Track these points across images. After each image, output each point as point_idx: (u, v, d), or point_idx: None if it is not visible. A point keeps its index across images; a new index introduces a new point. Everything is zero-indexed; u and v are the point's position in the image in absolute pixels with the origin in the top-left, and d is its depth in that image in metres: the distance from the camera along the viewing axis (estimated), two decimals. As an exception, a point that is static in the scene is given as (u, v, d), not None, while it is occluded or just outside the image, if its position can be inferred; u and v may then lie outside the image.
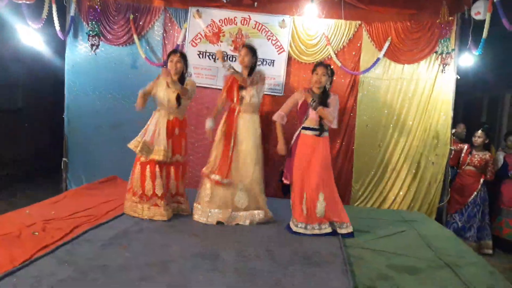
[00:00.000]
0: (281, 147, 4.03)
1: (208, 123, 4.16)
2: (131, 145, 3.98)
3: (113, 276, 2.64)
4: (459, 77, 5.22)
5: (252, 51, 4.20)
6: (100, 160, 5.58)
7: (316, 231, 3.81)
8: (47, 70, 6.38)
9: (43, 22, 5.12)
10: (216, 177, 4.00)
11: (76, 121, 5.63)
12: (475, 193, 5.10)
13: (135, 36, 5.42)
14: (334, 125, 3.90)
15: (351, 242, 3.68)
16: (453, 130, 5.36)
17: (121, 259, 2.89)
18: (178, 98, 3.99)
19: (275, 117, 4.07)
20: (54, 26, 5.27)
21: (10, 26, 5.23)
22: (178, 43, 5.42)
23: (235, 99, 4.17)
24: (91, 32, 5.36)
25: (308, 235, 3.77)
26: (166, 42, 5.51)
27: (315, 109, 3.83)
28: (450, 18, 5.03)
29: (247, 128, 4.12)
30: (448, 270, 3.14)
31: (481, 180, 5.12)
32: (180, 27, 5.44)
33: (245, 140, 4.09)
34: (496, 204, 5.32)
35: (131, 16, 5.41)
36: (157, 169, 3.91)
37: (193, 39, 5.41)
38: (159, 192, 3.89)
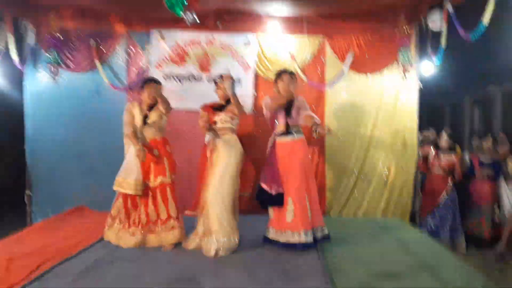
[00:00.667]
0: None
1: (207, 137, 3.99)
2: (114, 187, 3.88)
3: (85, 311, 2.49)
4: (421, 85, 5.38)
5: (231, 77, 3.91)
6: (67, 191, 5.34)
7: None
8: (5, 101, 6.13)
9: (2, 54, 4.94)
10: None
11: (39, 152, 5.41)
12: (445, 195, 5.20)
13: (97, 62, 5.31)
14: (318, 120, 3.87)
15: (329, 253, 3.64)
16: (420, 136, 5.50)
17: (93, 293, 2.74)
18: (144, 118, 3.92)
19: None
20: (11, 57, 5.09)
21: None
22: (143, 66, 5.35)
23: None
24: (50, 61, 5.21)
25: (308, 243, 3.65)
26: (130, 66, 5.43)
27: (318, 135, 3.70)
28: (409, 29, 5.19)
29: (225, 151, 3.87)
30: (427, 273, 3.16)
31: (450, 182, 5.23)
32: (143, 50, 5.38)
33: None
34: (466, 204, 5.44)
35: (93, 43, 5.31)
36: (137, 199, 3.84)
37: (158, 62, 5.35)
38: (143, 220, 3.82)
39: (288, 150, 3.87)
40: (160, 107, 3.84)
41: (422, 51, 5.31)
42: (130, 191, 3.76)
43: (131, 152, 3.94)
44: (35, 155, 5.41)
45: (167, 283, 2.93)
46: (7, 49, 5.01)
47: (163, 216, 3.81)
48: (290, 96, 3.92)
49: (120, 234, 3.80)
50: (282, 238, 3.73)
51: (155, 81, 4.03)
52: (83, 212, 5.00)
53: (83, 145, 5.38)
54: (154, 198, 3.82)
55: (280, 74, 3.97)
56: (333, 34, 5.38)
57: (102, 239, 3.93)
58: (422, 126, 5.73)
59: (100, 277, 3.02)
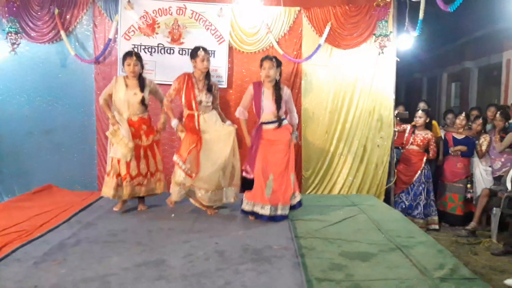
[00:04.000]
0: (248, 141, 4.05)
1: (174, 122, 4.08)
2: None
3: (45, 298, 2.38)
4: (398, 59, 5.30)
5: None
6: (34, 168, 5.15)
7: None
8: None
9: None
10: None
11: (4, 128, 5.13)
12: (419, 171, 5.22)
13: (62, 32, 5.00)
14: (296, 120, 4.10)
15: (303, 232, 3.62)
16: (396, 112, 5.46)
17: (55, 278, 2.62)
18: (143, 101, 4.07)
19: (237, 114, 4.07)
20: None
21: None
22: (110, 37, 5.07)
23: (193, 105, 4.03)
24: (10, 29, 4.86)
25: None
26: (97, 36, 5.14)
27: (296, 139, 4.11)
28: (387, 0, 5.06)
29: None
30: (398, 252, 3.17)
31: (424, 159, 5.25)
32: (111, 19, 5.09)
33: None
34: (439, 180, 5.50)
35: (56, 11, 4.99)
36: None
37: (126, 32, 5.08)
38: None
39: (274, 136, 3.95)
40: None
41: (400, 24, 5.21)
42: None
43: (121, 128, 4.01)
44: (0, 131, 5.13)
45: (134, 265, 2.84)
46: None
47: (152, 169, 4.18)
48: (274, 83, 3.93)
49: (117, 187, 4.02)
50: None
51: (131, 54, 4.09)
52: (51, 191, 4.81)
53: (50, 121, 5.16)
54: (145, 155, 4.12)
55: (261, 61, 3.94)
56: (310, 5, 5.20)
57: (68, 219, 3.80)
58: (399, 101, 5.69)
59: (64, 260, 2.89)
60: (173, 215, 4.09)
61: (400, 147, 5.57)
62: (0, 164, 5.18)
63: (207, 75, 4.10)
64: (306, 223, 3.88)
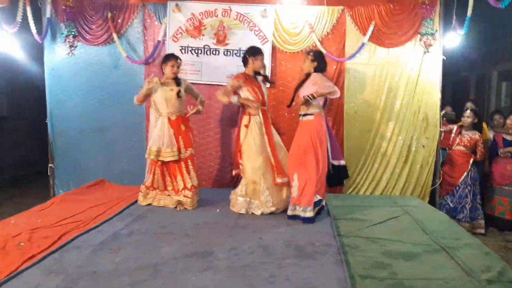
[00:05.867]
0: None
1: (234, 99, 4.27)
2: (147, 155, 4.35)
3: (104, 282, 2.57)
4: (445, 58, 5.18)
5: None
6: (87, 164, 5.46)
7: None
8: (27, 75, 6.24)
9: (18, 25, 4.95)
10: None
11: (60, 126, 5.48)
12: (465, 173, 5.07)
13: (114, 35, 5.28)
14: (335, 95, 3.99)
15: (345, 231, 3.64)
16: (442, 112, 5.33)
17: (111, 265, 2.82)
18: (179, 95, 4.26)
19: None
20: (30, 30, 5.10)
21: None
22: (159, 39, 5.30)
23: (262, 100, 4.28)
24: (67, 33, 5.21)
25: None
26: (147, 38, 5.37)
27: (306, 101, 3.95)
28: (433, -3, 4.97)
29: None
30: (443, 253, 3.12)
31: (471, 161, 5.09)
32: (160, 22, 5.31)
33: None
34: (488, 183, 5.31)
35: (109, 14, 5.27)
36: (172, 167, 4.30)
37: (174, 34, 5.29)
38: (183, 185, 4.27)
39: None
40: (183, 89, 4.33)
41: (446, 22, 5.09)
42: (172, 158, 4.19)
43: (160, 123, 4.25)
44: (56, 129, 5.48)
45: (183, 256, 2.99)
46: (26, 22, 5.01)
47: (188, 184, 4.25)
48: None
49: (158, 197, 4.32)
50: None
51: (175, 57, 4.33)
52: (103, 185, 5.10)
53: (103, 119, 5.44)
54: (182, 168, 4.26)
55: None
56: (353, 4, 5.18)
57: (120, 212, 4.04)
58: (445, 101, 5.54)
59: (118, 249, 3.10)
60: (218, 210, 4.23)
61: (446, 148, 5.44)
62: (56, 160, 5.53)
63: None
64: (348, 222, 3.90)
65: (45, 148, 5.60)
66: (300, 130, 4.07)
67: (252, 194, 4.17)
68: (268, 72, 5.24)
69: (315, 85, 3.92)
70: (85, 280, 2.59)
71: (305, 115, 4.04)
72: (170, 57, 4.33)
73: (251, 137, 4.17)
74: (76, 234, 3.32)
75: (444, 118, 5.44)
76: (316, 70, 4.03)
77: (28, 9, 5.02)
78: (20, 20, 4.95)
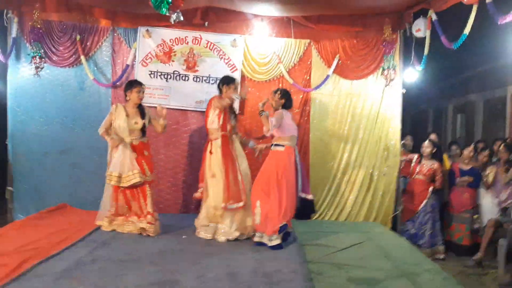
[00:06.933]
0: None
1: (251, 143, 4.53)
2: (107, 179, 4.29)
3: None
4: (404, 91, 5.48)
5: None
6: (49, 187, 5.27)
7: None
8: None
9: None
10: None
11: (22, 147, 5.29)
12: (425, 201, 5.29)
13: (82, 57, 5.24)
14: (265, 132, 4.18)
15: (311, 257, 3.69)
16: (402, 142, 5.59)
17: (73, 294, 2.72)
18: (143, 129, 4.30)
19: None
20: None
21: None
22: (128, 63, 5.30)
23: (228, 128, 4.33)
24: (34, 54, 5.11)
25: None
26: (116, 62, 5.37)
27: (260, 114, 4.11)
28: (393, 35, 5.28)
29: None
30: (405, 280, 3.24)
31: (430, 189, 5.33)
32: (130, 47, 5.33)
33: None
34: (447, 210, 5.55)
35: (78, 37, 5.24)
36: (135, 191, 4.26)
37: (144, 59, 5.31)
38: (147, 210, 4.20)
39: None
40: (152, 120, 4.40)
41: (406, 58, 5.41)
42: (134, 181, 4.14)
43: (121, 149, 4.21)
44: (17, 150, 5.29)
45: (149, 284, 2.93)
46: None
47: (149, 209, 4.21)
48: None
49: (121, 224, 4.27)
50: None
51: (140, 83, 4.39)
52: (65, 210, 4.95)
53: (67, 141, 5.32)
54: (145, 192, 4.23)
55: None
56: (319, 39, 5.44)
57: (83, 238, 3.92)
58: (405, 131, 5.82)
59: (81, 277, 3.00)
60: (184, 236, 4.19)
61: (406, 176, 5.67)
62: (16, 183, 5.31)
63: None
64: (314, 248, 3.96)
65: (3, 170, 5.38)
66: (268, 160, 4.14)
67: (215, 219, 4.18)
68: (236, 102, 5.35)
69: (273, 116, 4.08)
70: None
71: (276, 145, 4.12)
72: (135, 83, 4.38)
73: (214, 162, 4.21)
74: (37, 262, 3.19)
75: (403, 148, 5.70)
76: (284, 107, 4.17)
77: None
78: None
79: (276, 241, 3.87)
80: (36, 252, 3.46)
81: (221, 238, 4.10)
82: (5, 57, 5.12)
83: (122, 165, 4.16)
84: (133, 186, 4.21)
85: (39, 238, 3.84)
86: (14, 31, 5.18)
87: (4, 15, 5.13)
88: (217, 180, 4.16)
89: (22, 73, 5.28)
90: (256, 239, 3.98)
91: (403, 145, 5.64)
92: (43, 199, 5.18)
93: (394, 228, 5.41)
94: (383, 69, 5.34)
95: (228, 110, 4.37)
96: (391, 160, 5.46)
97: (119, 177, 4.15)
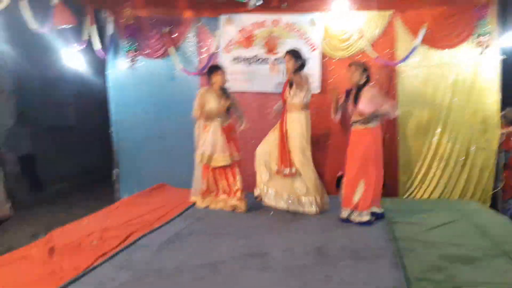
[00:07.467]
0: None
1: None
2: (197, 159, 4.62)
3: (168, 278, 2.77)
4: (505, 57, 4.97)
5: (294, 55, 4.29)
6: (149, 169, 5.80)
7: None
8: (92, 88, 6.74)
9: (86, 43, 5.41)
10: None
11: (124, 134, 5.89)
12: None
13: (171, 48, 5.60)
14: (392, 115, 4.10)
15: (401, 235, 3.60)
16: (502, 113, 5.12)
17: (175, 262, 3.02)
18: (228, 109, 4.54)
19: None
20: (93, 46, 5.53)
21: (54, 49, 5.48)
22: (212, 51, 5.54)
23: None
24: (129, 48, 5.60)
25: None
26: (201, 51, 5.65)
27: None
28: (487, -4, 4.81)
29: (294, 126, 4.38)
30: (505, 258, 3.02)
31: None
32: (213, 35, 5.56)
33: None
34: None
35: (166, 29, 5.60)
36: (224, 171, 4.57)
37: (227, 46, 5.51)
38: (236, 187, 4.54)
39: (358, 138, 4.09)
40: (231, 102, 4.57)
41: (504, 20, 4.89)
42: (224, 163, 4.45)
43: (212, 130, 4.46)
44: (120, 137, 5.90)
45: (241, 255, 3.13)
46: (90, 40, 5.45)
47: (235, 188, 4.51)
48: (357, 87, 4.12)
49: (214, 201, 4.59)
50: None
51: (221, 67, 4.62)
52: (164, 189, 5.41)
53: (162, 127, 5.77)
54: (234, 171, 4.54)
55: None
56: (404, 8, 5.13)
57: (181, 214, 4.29)
58: (506, 102, 5.32)
59: (180, 247, 3.31)
60: (272, 212, 4.35)
61: (508, 150, 5.20)
62: (121, 166, 5.95)
63: None
64: (404, 226, 3.84)
65: (110, 155, 6.02)
66: (359, 139, 4.04)
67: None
68: (317, 79, 5.31)
69: (373, 102, 3.92)
70: (152, 276, 2.80)
71: (363, 122, 4.01)
72: (217, 68, 4.59)
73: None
74: (142, 234, 3.58)
75: (504, 120, 5.21)
76: (367, 81, 4.05)
77: (93, 27, 5.46)
78: (87, 38, 5.41)
79: (366, 217, 3.89)
80: (141, 225, 3.87)
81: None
82: (104, 53, 5.67)
83: (213, 145, 4.44)
84: (222, 166, 4.49)
85: (143, 213, 4.27)
86: (109, 29, 5.71)
87: (101, 15, 5.67)
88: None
89: (119, 67, 5.82)
90: (343, 215, 3.99)
91: (504, 117, 5.15)
92: (144, 179, 5.70)
93: (494, 206, 5.02)
94: (478, 35, 4.90)
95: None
96: (489, 133, 5.03)
97: (210, 156, 4.44)
